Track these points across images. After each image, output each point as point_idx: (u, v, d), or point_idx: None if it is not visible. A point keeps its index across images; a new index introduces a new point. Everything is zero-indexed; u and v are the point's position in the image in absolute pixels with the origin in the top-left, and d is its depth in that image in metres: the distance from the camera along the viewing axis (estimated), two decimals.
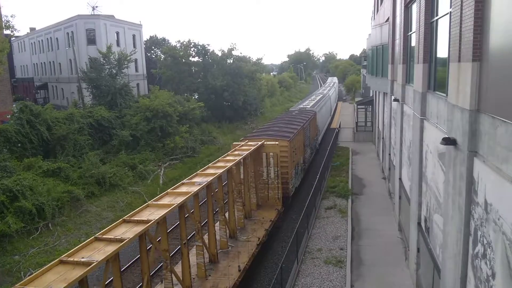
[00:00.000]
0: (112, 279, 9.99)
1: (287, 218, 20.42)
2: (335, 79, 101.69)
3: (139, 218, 9.86)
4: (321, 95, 49.12)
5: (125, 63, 39.88)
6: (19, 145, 25.68)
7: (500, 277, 5.68)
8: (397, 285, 13.42)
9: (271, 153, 18.64)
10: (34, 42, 65.66)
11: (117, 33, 53.50)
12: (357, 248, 16.24)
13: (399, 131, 17.52)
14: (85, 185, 23.71)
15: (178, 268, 12.11)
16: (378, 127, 31.58)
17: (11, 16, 51.04)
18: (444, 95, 9.34)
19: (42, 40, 62.01)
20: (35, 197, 19.80)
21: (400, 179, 17.50)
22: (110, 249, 8.26)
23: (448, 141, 7.85)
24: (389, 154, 22.45)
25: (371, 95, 45.48)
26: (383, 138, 26.66)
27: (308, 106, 35.40)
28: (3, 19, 29.18)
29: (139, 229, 9.25)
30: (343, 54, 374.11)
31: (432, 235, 10.57)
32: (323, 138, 38.89)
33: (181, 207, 11.35)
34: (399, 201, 17.68)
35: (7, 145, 25.06)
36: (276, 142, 19.13)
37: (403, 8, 16.32)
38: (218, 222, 15.44)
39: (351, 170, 27.65)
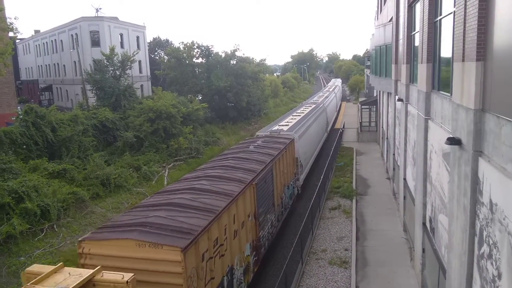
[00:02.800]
0: None
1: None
2: (338, 81, 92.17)
3: None
4: (313, 106, 36.14)
5: (128, 63, 40.02)
6: (24, 147, 25.80)
7: (506, 278, 5.65)
8: (403, 286, 13.38)
9: None
10: (38, 44, 66.10)
11: (121, 35, 53.72)
12: (362, 249, 16.20)
13: (404, 131, 17.47)
14: (90, 186, 23.79)
15: None
16: (382, 127, 31.48)
17: (15, 18, 50.98)
18: (449, 94, 9.31)
19: (46, 42, 62.41)
20: (40, 198, 19.87)
21: (404, 179, 17.44)
22: None
23: (453, 140, 7.83)
24: (394, 154, 22.38)
25: (375, 95, 45.42)
26: (387, 138, 26.59)
27: (284, 129, 23.29)
28: (7, 22, 29.27)
29: None
30: (346, 54, 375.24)
31: (437, 236, 10.53)
32: (317, 160, 29.51)
33: None
34: (403, 201, 17.62)
35: (13, 147, 25.20)
36: (125, 278, 7.25)
37: (406, 7, 16.27)
38: None
39: (355, 171, 27.60)
